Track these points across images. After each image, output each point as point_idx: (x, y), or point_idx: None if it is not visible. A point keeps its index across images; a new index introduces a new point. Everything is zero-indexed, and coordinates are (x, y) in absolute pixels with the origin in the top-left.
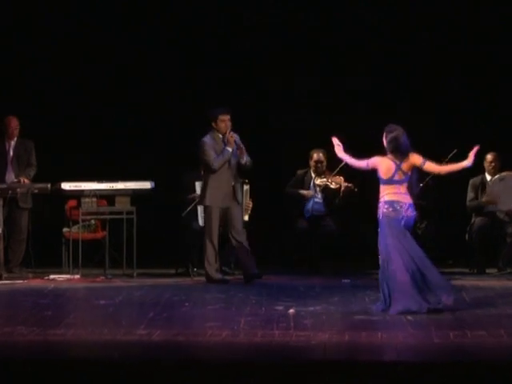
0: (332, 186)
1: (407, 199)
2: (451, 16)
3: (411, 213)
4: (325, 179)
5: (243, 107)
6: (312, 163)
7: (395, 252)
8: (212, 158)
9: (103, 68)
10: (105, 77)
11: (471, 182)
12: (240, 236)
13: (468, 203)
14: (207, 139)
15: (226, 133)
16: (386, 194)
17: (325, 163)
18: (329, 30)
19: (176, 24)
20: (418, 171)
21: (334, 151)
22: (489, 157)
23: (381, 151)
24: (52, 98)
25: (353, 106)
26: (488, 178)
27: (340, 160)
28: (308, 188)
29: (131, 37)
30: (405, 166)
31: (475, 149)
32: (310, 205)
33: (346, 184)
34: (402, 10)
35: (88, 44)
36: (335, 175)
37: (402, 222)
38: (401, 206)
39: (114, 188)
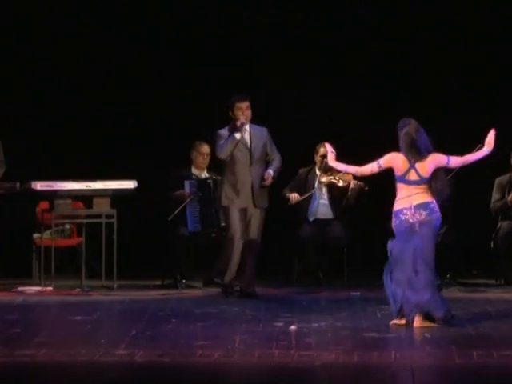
0: (340, 184)
1: (413, 201)
2: (451, 16)
3: (421, 215)
4: (331, 177)
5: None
6: (318, 158)
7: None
8: (219, 147)
9: (103, 68)
10: (105, 77)
11: (497, 181)
12: (252, 246)
13: (492, 204)
14: (223, 131)
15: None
16: (397, 199)
17: None
18: (329, 29)
19: (176, 24)
20: (445, 173)
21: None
22: None
23: (381, 152)
24: (52, 98)
25: (353, 106)
26: None
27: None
28: (312, 188)
29: (131, 37)
30: (420, 166)
31: (492, 133)
32: (314, 207)
33: (356, 182)
34: (401, 9)
35: (88, 44)
36: (343, 173)
37: (416, 228)
38: (405, 214)
39: (92, 188)
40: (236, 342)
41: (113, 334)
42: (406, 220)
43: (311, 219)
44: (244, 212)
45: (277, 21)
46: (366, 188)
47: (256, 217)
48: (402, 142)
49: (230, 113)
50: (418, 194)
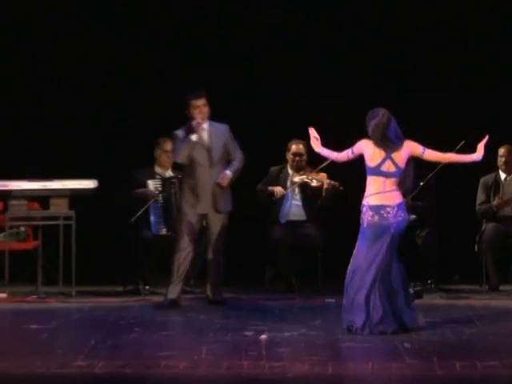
0: (313, 184)
1: (395, 199)
2: (451, 16)
3: (401, 217)
4: (304, 176)
5: (243, 107)
6: (290, 156)
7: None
8: (174, 151)
9: (103, 68)
10: (105, 77)
11: (482, 180)
12: (215, 252)
13: (478, 207)
14: (179, 131)
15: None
16: (371, 194)
17: (305, 157)
18: (329, 29)
19: (176, 24)
20: (415, 165)
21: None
22: (502, 150)
23: None
24: (52, 98)
25: (353, 107)
26: (502, 176)
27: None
28: (285, 187)
29: (131, 37)
30: (397, 156)
31: (484, 140)
32: (286, 208)
33: (330, 181)
34: (401, 9)
35: (88, 44)
36: (317, 172)
37: (392, 230)
38: (388, 212)
39: (49, 188)
40: (203, 352)
41: (71, 344)
42: (386, 218)
43: (283, 221)
44: (202, 218)
45: (277, 21)
46: (341, 188)
47: (217, 222)
48: (372, 134)
49: (186, 111)
50: (394, 191)
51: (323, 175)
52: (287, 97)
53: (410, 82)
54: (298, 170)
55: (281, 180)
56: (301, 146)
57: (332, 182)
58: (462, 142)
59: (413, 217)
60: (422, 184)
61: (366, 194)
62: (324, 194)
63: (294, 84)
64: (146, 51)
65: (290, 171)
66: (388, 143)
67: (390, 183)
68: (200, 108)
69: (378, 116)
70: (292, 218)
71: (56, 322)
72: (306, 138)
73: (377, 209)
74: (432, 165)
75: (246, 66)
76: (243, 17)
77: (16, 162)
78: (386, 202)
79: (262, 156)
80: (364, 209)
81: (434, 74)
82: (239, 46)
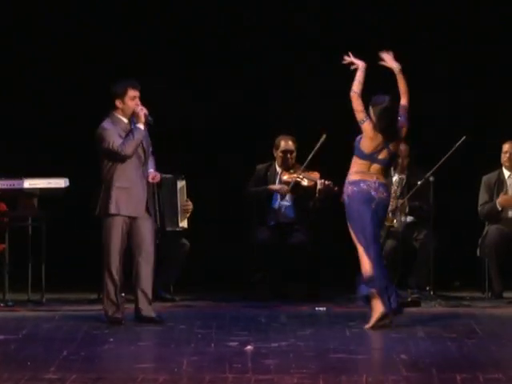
0: (304, 183)
1: (376, 178)
2: (451, 16)
3: (383, 194)
4: (295, 174)
5: (243, 107)
6: (278, 154)
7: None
8: (118, 142)
9: (103, 68)
10: (105, 77)
11: (485, 179)
12: (147, 259)
13: (480, 207)
14: (107, 125)
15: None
16: (354, 172)
17: (295, 154)
18: (329, 29)
19: (176, 24)
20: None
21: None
22: (506, 146)
23: None
24: (52, 98)
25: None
26: (506, 173)
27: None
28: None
29: (131, 37)
30: (393, 145)
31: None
32: (274, 209)
33: (323, 181)
34: (401, 9)
35: (88, 44)
36: (308, 170)
37: (373, 206)
38: (368, 185)
39: (16, 187)
40: (183, 364)
41: (41, 356)
42: (367, 190)
43: (271, 223)
44: (132, 221)
45: (277, 21)
46: (336, 188)
47: (148, 224)
48: (379, 119)
49: (118, 103)
50: (380, 174)
51: (316, 174)
52: (287, 97)
53: (410, 81)
54: (287, 168)
55: (269, 179)
56: (290, 143)
57: (326, 182)
58: (463, 138)
59: (410, 218)
60: (419, 183)
61: (350, 171)
62: (317, 195)
63: (294, 84)
64: (146, 51)
65: (278, 169)
66: (392, 130)
67: (379, 168)
68: (137, 100)
69: (386, 101)
70: (281, 219)
71: (25, 332)
72: (294, 134)
73: (356, 182)
74: (430, 164)
75: (246, 65)
76: (243, 17)
77: None
78: (367, 177)
79: (261, 156)
80: (344, 187)
81: (433, 74)
82: (239, 46)
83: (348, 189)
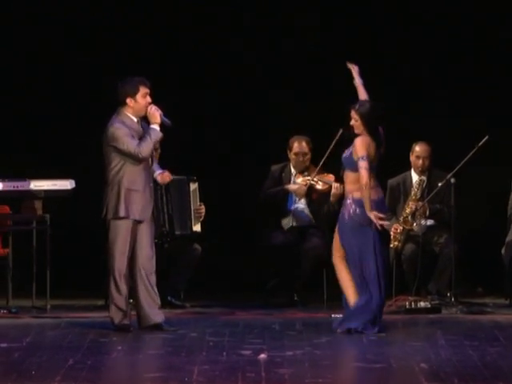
0: (318, 187)
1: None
2: (451, 16)
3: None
4: (309, 177)
5: (243, 107)
6: (292, 156)
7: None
8: (134, 144)
9: (111, 69)
10: (112, 77)
11: None
12: (148, 263)
13: (510, 209)
14: (118, 124)
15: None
16: (358, 188)
17: (309, 156)
18: (329, 30)
19: (176, 24)
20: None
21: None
22: None
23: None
24: (57, 99)
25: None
26: None
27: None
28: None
29: (131, 36)
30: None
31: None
32: (289, 213)
33: (338, 185)
34: (401, 9)
35: (95, 44)
36: (323, 172)
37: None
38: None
39: (20, 189)
40: (194, 373)
41: (46, 365)
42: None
43: (286, 227)
44: (137, 225)
45: (277, 21)
46: None
47: (151, 227)
48: (368, 123)
49: (129, 101)
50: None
51: (331, 176)
52: (287, 97)
53: (410, 81)
54: (301, 170)
55: (283, 180)
56: (304, 144)
57: (340, 186)
58: (486, 137)
59: (430, 222)
60: (440, 185)
61: (354, 187)
62: (332, 199)
63: (293, 84)
64: (146, 51)
65: (292, 170)
66: (378, 133)
67: (374, 177)
68: (148, 97)
69: (370, 104)
70: (295, 223)
71: (29, 340)
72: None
73: (360, 202)
74: (451, 164)
75: (246, 65)
76: (243, 17)
77: None
78: (374, 197)
79: (261, 156)
80: (348, 201)
81: (434, 74)
82: (239, 46)
83: (351, 207)
